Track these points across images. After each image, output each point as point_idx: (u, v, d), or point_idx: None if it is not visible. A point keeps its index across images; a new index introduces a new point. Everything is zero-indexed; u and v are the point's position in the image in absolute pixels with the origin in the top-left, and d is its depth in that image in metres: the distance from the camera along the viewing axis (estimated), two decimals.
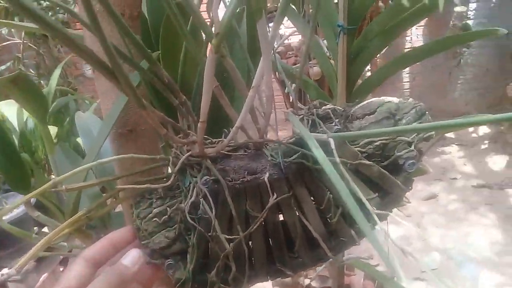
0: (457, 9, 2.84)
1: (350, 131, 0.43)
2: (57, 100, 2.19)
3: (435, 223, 2.50)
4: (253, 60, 0.47)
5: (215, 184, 0.41)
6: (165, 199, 0.44)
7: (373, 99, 0.46)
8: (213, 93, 0.42)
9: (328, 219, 0.43)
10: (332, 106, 0.45)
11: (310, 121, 0.44)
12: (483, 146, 3.27)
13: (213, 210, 0.40)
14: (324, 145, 0.40)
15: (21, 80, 0.54)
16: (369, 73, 3.04)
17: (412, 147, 0.43)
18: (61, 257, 1.45)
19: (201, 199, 0.41)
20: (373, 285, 1.00)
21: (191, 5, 0.33)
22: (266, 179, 0.41)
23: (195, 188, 0.42)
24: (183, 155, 0.43)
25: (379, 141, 0.43)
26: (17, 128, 1.81)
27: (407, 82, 3.72)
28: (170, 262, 0.43)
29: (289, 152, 0.43)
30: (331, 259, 0.45)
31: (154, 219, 0.43)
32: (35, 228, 0.90)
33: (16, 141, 1.84)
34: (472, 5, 3.22)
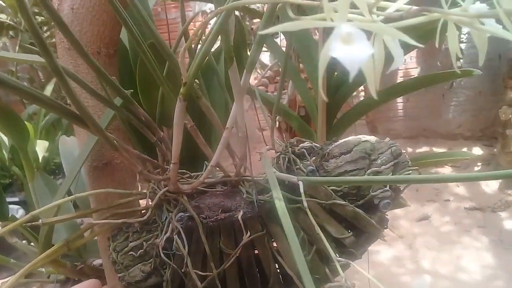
0: None
1: (326, 169, 0.44)
2: (49, 114, 2.20)
3: (427, 245, 2.49)
4: (231, 95, 0.48)
5: (190, 221, 0.41)
6: (142, 233, 0.44)
7: (350, 137, 0.46)
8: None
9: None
10: (310, 144, 0.46)
11: (286, 159, 0.45)
12: (476, 168, 3.28)
13: (186, 247, 0.40)
14: (296, 185, 0.41)
15: (1, 109, 0.55)
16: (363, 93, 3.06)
17: (387, 187, 0.43)
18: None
19: (175, 236, 0.41)
20: None
21: (164, 48, 0.33)
22: (239, 217, 0.41)
23: (170, 224, 0.42)
24: (160, 190, 0.44)
25: None
26: (7, 143, 1.81)
27: (401, 103, 3.75)
28: None
29: (265, 189, 0.44)
30: None
31: (130, 252, 0.44)
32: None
33: (6, 155, 1.84)
34: (465, 29, 3.26)
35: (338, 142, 0.46)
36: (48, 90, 2.14)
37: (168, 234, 0.42)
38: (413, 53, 3.54)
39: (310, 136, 0.69)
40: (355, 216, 0.42)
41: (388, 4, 0.19)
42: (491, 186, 3.02)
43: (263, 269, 0.44)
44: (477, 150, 3.51)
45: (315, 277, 0.44)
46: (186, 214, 0.42)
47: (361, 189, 0.44)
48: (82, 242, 0.51)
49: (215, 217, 0.41)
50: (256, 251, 0.44)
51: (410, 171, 0.45)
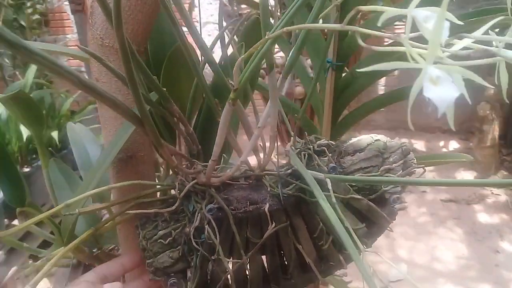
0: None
1: (343, 166, 0.48)
2: (33, 93, 2.17)
3: (404, 235, 2.58)
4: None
5: (219, 212, 0.45)
6: (170, 222, 0.47)
7: (363, 136, 0.50)
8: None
9: (320, 245, 0.47)
10: (327, 142, 0.50)
11: (306, 155, 0.49)
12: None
13: (218, 236, 0.44)
14: (319, 180, 0.44)
15: (21, 98, 0.56)
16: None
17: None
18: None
19: (206, 226, 0.44)
20: None
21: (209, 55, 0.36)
22: (266, 209, 0.45)
23: (200, 214, 0.45)
24: (189, 182, 0.47)
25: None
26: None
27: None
28: (174, 280, 0.46)
29: (287, 182, 0.47)
30: None
31: (159, 240, 0.47)
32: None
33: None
34: None
35: (352, 141, 0.50)
36: (34, 67, 2.10)
37: (197, 224, 0.45)
38: None
39: (313, 131, 0.73)
40: (368, 209, 0.46)
41: (455, 41, 0.22)
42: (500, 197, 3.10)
43: (284, 256, 0.47)
44: (454, 144, 3.63)
45: (330, 263, 0.48)
46: (216, 206, 0.45)
47: (374, 184, 0.48)
48: (106, 230, 0.54)
49: (243, 208, 0.45)
50: (279, 241, 0.47)
51: (415, 169, 0.49)
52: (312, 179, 0.38)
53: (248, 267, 0.46)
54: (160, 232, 0.47)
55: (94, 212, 0.54)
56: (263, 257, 0.48)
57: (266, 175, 0.48)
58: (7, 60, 2.60)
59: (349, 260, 0.48)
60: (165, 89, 0.50)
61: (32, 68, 2.13)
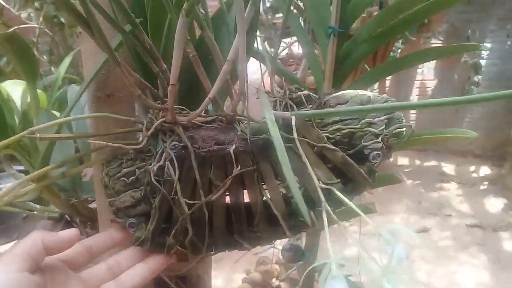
0: None
1: (321, 118, 0.45)
2: (63, 87, 2.23)
3: (424, 258, 2.48)
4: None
5: (183, 150, 0.42)
6: (135, 160, 0.45)
7: (349, 90, 0.47)
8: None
9: (289, 198, 0.44)
10: (307, 93, 0.47)
11: (283, 104, 0.46)
12: (482, 187, 3.26)
13: (177, 173, 0.41)
14: (289, 126, 0.42)
15: (16, 40, 0.56)
16: None
17: (379, 139, 0.44)
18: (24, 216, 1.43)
19: (166, 163, 0.42)
20: None
21: None
22: (231, 150, 0.42)
23: (164, 153, 0.43)
24: (158, 120, 0.45)
25: (347, 129, 0.44)
26: (19, 108, 1.84)
27: (414, 114, 3.74)
28: (132, 221, 0.44)
29: (259, 130, 0.45)
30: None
31: (122, 178, 0.45)
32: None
33: (17, 121, 1.87)
34: (487, 45, 3.25)
35: (335, 94, 0.47)
36: (66, 62, 2.17)
37: (161, 163, 0.43)
38: (432, 65, 3.52)
39: None
40: (344, 163, 0.43)
41: None
42: (495, 206, 2.99)
43: (250, 206, 0.44)
44: (485, 169, 3.48)
45: (299, 219, 0.45)
46: (181, 144, 0.43)
47: (353, 138, 0.45)
48: (77, 170, 0.52)
49: (208, 147, 0.42)
50: (244, 189, 0.45)
51: (404, 128, 0.46)
52: (271, 114, 0.35)
53: (211, 212, 0.44)
54: (124, 170, 0.45)
55: (54, 140, 0.52)
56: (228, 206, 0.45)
57: (238, 121, 0.46)
58: (45, 56, 2.68)
59: (320, 218, 0.45)
60: (150, 28, 0.48)
61: (65, 63, 2.19)
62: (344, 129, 0.44)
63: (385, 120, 0.44)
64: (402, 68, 0.61)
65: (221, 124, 0.46)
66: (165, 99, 0.46)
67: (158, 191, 0.43)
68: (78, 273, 0.41)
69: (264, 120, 0.45)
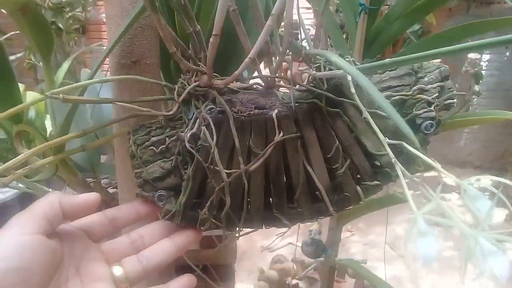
0: (471, 55, 2.87)
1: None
2: None
3: (428, 268, 2.44)
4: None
5: (220, 114, 0.39)
6: (165, 128, 0.42)
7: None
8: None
9: (334, 169, 0.40)
10: (352, 59, 0.43)
11: (324, 67, 0.42)
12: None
13: (215, 138, 0.38)
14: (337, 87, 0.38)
15: (30, 10, 0.52)
16: None
17: (432, 108, 0.40)
18: None
19: (203, 127, 0.38)
20: None
21: None
22: (274, 115, 0.38)
23: (198, 120, 0.39)
24: (190, 85, 0.41)
25: (398, 96, 0.41)
26: None
27: None
28: (162, 193, 0.40)
29: (302, 96, 0.41)
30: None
31: (151, 147, 0.41)
32: None
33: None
34: (486, 56, 3.26)
35: None
36: (64, 68, 2.13)
37: (194, 129, 0.39)
38: None
39: None
40: (395, 131, 0.39)
41: None
42: (497, 217, 2.96)
43: (291, 178, 0.40)
44: (486, 180, 3.45)
45: (344, 194, 0.41)
46: (218, 108, 0.39)
47: (404, 106, 0.41)
48: (98, 143, 0.48)
49: (248, 112, 0.39)
50: (286, 159, 0.41)
51: (455, 99, 0.42)
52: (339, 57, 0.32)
53: (248, 184, 0.39)
54: (153, 138, 0.41)
55: (75, 109, 0.48)
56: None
57: (278, 88, 0.42)
58: (41, 63, 2.64)
59: (368, 193, 0.41)
60: None
61: (63, 68, 2.16)
62: (394, 96, 0.41)
63: (438, 87, 0.41)
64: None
65: (259, 87, 0.43)
66: (198, 63, 0.42)
67: (191, 161, 0.39)
68: (99, 244, 0.38)
69: (307, 87, 0.42)
